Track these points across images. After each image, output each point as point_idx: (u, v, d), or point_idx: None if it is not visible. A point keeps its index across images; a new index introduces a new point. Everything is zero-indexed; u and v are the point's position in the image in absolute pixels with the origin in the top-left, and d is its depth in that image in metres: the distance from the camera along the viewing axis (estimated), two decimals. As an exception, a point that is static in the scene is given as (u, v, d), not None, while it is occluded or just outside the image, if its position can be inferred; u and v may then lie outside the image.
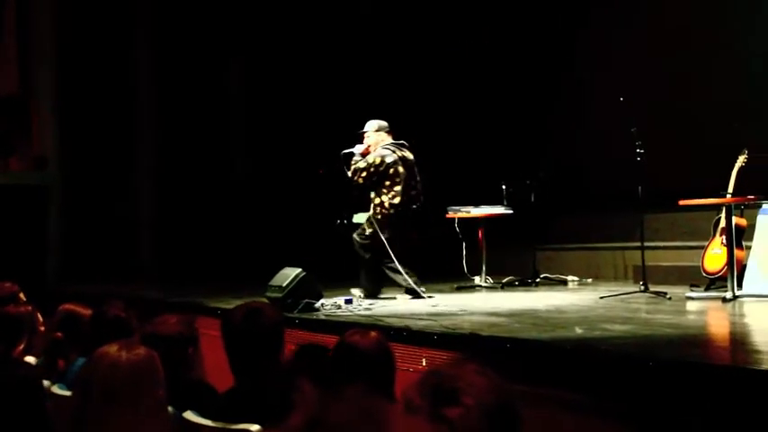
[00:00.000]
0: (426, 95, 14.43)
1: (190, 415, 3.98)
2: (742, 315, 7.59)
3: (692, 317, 7.70)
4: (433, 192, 12.35)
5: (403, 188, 9.83)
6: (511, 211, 11.24)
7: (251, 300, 5.42)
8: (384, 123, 10.06)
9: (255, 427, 3.68)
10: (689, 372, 4.88)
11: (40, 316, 5.89)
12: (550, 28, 13.24)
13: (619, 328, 6.67)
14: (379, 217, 9.77)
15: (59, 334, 5.75)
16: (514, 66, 13.55)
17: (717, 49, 10.99)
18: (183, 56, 16.74)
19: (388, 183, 9.74)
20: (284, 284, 8.70)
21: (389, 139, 9.99)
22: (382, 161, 9.74)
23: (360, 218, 11.72)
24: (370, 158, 9.81)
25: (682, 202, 8.92)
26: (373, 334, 4.21)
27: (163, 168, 16.79)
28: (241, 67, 16.62)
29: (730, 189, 8.74)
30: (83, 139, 17.42)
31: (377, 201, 9.83)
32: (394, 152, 9.86)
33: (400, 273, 9.66)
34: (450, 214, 11.32)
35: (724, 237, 8.75)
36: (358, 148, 9.97)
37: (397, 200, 9.77)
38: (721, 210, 8.82)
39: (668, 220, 10.25)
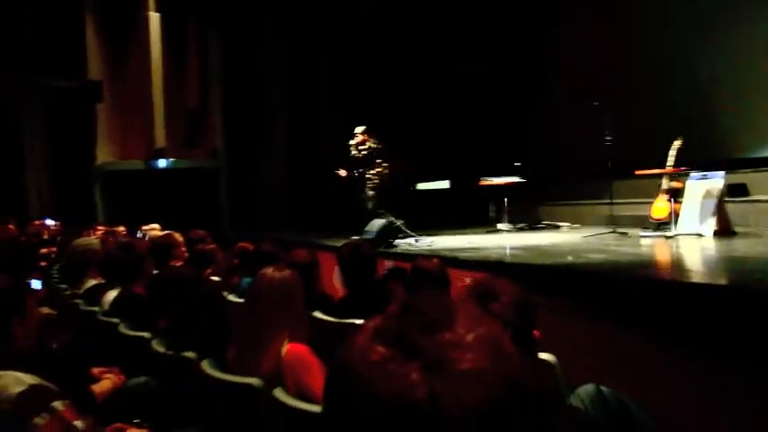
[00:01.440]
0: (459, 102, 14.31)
1: (317, 314, 4.04)
2: (678, 247, 7.52)
3: (644, 249, 7.63)
4: (468, 165, 12.34)
5: (385, 170, 10.54)
6: (523, 180, 11.21)
7: (354, 239, 5.49)
8: (366, 128, 10.71)
9: (360, 321, 3.75)
10: (644, 284, 4.88)
11: (219, 251, 6.04)
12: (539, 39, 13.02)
13: (597, 256, 6.65)
14: (377, 181, 10.41)
15: (236, 261, 5.91)
16: (518, 74, 13.38)
17: (664, 57, 10.77)
18: (305, 73, 16.77)
19: (379, 160, 10.33)
20: (374, 230, 8.81)
21: (369, 138, 10.56)
22: (377, 147, 10.35)
23: (421, 186, 11.75)
24: (371, 144, 10.47)
25: (637, 172, 8.89)
26: (435, 260, 4.25)
27: (291, 155, 16.93)
28: (341, 74, 16.50)
29: (670, 162, 8.65)
30: (240, 136, 17.65)
31: (373, 172, 10.42)
32: (379, 146, 10.48)
33: None
34: (483, 182, 11.32)
35: (666, 195, 8.69)
36: (353, 141, 10.58)
37: (384, 172, 10.44)
38: (663, 176, 8.75)
39: (628, 184, 10.11)
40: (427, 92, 14.34)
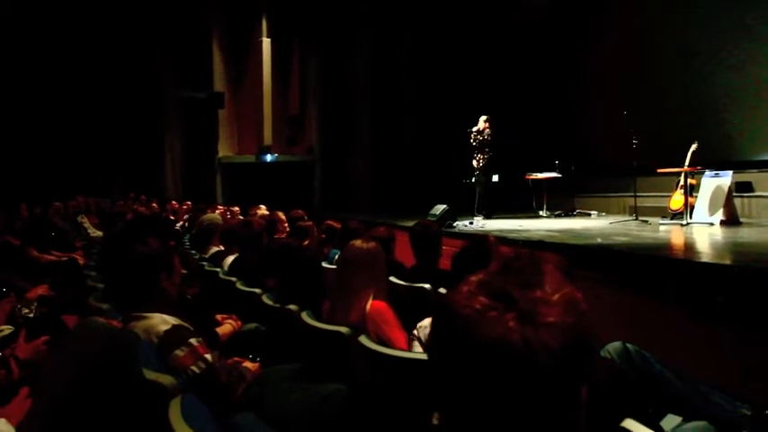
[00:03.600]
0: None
1: (392, 278, 3.82)
2: (691, 233, 7.28)
3: (662, 234, 7.40)
4: (516, 163, 12.14)
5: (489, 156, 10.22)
6: (560, 175, 10.99)
7: (422, 219, 5.47)
8: (488, 118, 10.26)
9: (428, 286, 3.70)
10: (661, 262, 4.76)
11: (314, 227, 6.08)
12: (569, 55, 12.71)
13: (621, 238, 6.50)
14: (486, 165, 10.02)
15: (324, 236, 5.95)
16: (560, 86, 13.06)
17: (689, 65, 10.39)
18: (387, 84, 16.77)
19: (486, 149, 9.90)
20: (437, 213, 8.76)
21: (488, 128, 10.16)
22: (489, 138, 9.90)
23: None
24: (487, 134, 10.03)
25: (659, 170, 8.61)
26: (492, 237, 4.19)
27: (375, 153, 16.96)
28: (413, 82, 16.43)
29: (687, 162, 8.38)
30: (331, 137, 17.75)
31: (485, 157, 9.99)
32: (490, 138, 10.11)
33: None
34: (528, 176, 11.15)
35: (682, 189, 8.41)
36: (475, 128, 10.18)
37: (489, 158, 10.09)
38: (681, 174, 8.47)
39: (650, 180, 9.81)
40: (488, 100, 14.15)
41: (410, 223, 5.99)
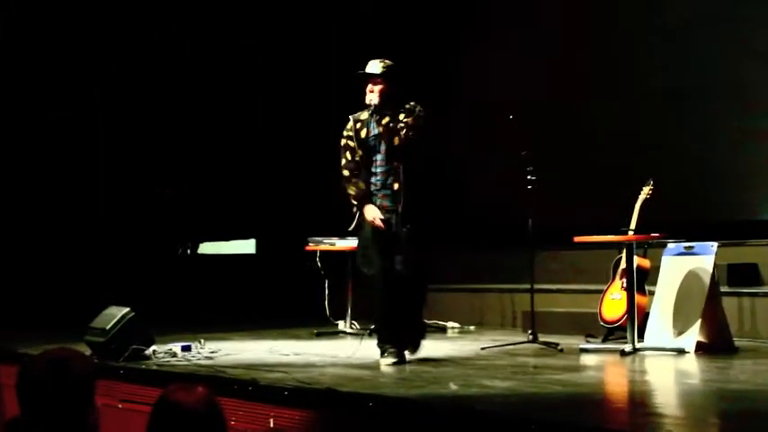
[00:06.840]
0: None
1: None
2: (643, 371, 7.62)
3: (585, 372, 7.70)
4: (288, 217, 12.27)
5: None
6: (384, 245, 11.16)
7: (60, 346, 5.24)
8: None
9: None
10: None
11: None
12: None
13: (500, 384, 6.66)
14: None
15: None
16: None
17: (617, 71, 11.13)
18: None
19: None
20: (108, 327, 8.49)
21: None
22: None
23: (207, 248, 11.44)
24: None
25: (577, 239, 8.94)
26: (200, 389, 4.05)
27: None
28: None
29: (633, 225, 8.78)
30: None
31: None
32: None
33: None
34: (311, 246, 11.20)
35: (624, 280, 8.80)
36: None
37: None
38: (622, 249, 8.86)
39: (562, 260, 10.27)
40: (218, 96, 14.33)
41: (37, 351, 5.73)
